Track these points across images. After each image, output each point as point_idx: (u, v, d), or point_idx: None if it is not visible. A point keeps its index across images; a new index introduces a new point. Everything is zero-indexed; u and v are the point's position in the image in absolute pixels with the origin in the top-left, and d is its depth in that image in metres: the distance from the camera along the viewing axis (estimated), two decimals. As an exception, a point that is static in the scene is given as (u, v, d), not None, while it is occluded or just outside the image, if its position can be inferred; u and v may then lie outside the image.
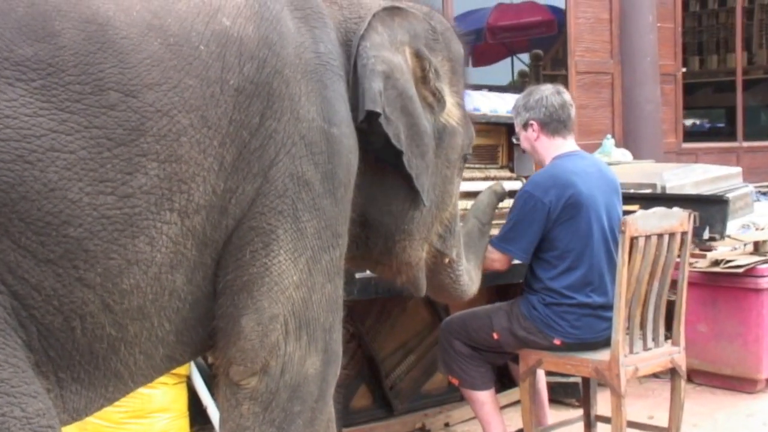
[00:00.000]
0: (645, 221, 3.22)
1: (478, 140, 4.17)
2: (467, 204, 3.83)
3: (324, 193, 2.16)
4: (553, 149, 3.50)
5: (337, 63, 2.27)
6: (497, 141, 4.22)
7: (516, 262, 3.46)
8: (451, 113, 2.63)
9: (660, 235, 3.28)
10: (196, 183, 1.94)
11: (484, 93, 4.55)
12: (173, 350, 2.08)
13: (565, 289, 3.34)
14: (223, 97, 1.98)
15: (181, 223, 1.93)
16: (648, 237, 3.23)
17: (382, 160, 2.43)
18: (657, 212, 3.30)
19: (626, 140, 8.55)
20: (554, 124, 3.47)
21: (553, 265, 3.37)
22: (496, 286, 4.21)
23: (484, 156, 4.18)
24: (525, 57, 10.26)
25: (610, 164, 6.26)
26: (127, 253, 1.86)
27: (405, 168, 2.42)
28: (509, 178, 4.10)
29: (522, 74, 10.32)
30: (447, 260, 2.91)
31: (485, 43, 10.24)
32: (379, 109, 2.31)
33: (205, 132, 1.95)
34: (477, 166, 4.10)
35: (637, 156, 7.52)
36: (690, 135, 11.20)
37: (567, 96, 3.54)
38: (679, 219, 3.36)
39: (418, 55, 2.52)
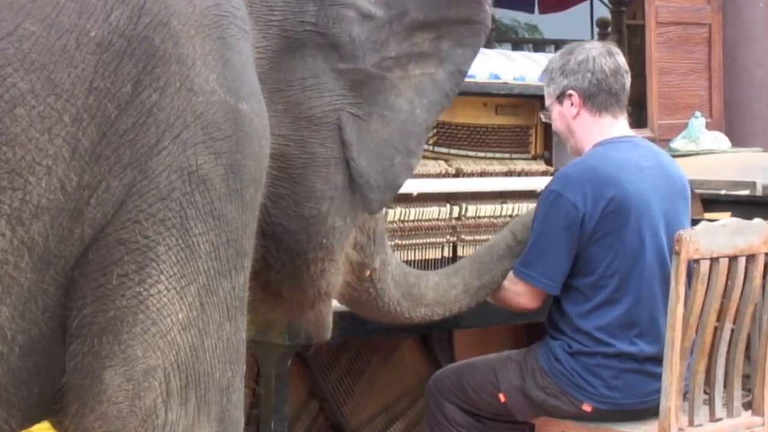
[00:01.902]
0: (710, 238, 3.21)
1: (500, 120, 4.18)
2: (476, 209, 3.85)
3: (227, 195, 2.18)
4: (598, 132, 3.51)
5: (241, 15, 2.29)
6: (528, 121, 4.21)
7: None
8: None
9: (733, 258, 3.26)
10: (37, 176, 1.95)
11: (505, 53, 4.49)
12: None
13: (599, 332, 3.33)
14: (79, 54, 1.99)
15: (12, 233, 1.94)
16: (715, 260, 3.22)
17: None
18: (729, 225, 3.30)
19: (728, 119, 8.50)
20: (603, 96, 3.48)
21: (586, 297, 3.37)
22: (525, 325, 4.20)
23: (509, 142, 4.17)
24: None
25: (697, 154, 6.30)
26: None
27: (353, 173, 2.53)
28: (544, 174, 4.09)
29: (602, 24, 10.33)
30: (368, 273, 2.96)
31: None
32: None
33: (52, 102, 1.95)
34: (498, 156, 4.09)
35: (740, 142, 7.52)
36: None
37: (621, 59, 3.54)
38: (761, 234, 3.34)
39: None
